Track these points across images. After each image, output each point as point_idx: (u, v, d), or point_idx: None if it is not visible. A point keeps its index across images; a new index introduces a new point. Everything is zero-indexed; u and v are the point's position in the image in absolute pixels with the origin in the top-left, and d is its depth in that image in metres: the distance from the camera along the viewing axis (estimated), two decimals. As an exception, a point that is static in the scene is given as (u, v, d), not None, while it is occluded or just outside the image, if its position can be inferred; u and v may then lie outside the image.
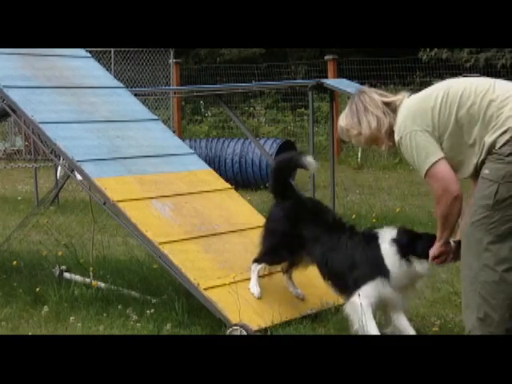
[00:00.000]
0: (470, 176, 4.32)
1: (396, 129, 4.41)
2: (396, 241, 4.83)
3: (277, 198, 5.36)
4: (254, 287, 5.27)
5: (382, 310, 4.99)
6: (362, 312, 4.74)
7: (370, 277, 4.81)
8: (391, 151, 4.85)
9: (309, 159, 5.31)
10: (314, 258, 5.12)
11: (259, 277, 5.31)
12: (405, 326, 4.91)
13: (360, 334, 4.74)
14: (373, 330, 4.76)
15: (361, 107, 4.54)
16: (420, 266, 4.76)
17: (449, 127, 4.25)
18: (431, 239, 4.61)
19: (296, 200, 5.32)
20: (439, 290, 6.07)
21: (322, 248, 5.03)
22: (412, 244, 4.80)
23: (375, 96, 4.56)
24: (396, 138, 4.40)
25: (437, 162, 4.25)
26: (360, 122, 4.53)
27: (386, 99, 4.54)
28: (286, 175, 5.41)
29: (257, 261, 5.30)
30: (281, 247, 5.22)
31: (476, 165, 4.23)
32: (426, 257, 4.65)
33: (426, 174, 4.28)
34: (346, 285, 4.93)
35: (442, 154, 4.26)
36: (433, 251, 4.57)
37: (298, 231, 5.13)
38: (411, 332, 4.88)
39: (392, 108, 4.51)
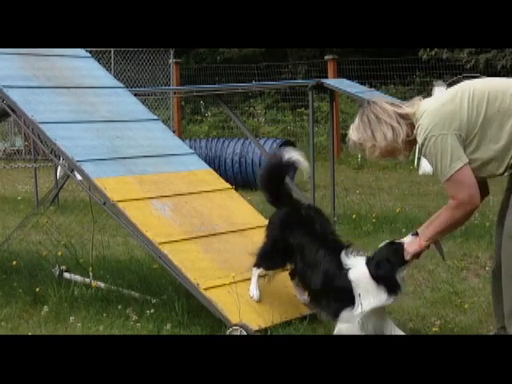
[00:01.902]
0: (500, 174, 4.29)
1: (420, 131, 4.31)
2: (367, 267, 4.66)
3: (273, 205, 5.25)
4: (253, 291, 5.23)
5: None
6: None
7: (346, 304, 4.67)
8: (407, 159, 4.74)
9: (300, 161, 5.13)
10: (295, 269, 5.06)
11: (260, 276, 5.30)
12: (391, 328, 4.78)
13: None
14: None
15: (373, 118, 4.42)
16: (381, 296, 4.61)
17: (476, 127, 4.21)
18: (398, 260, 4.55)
19: (292, 207, 5.19)
20: (439, 290, 6.07)
21: (302, 261, 4.93)
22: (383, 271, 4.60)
23: (387, 106, 4.44)
24: (420, 139, 4.31)
25: (462, 167, 4.21)
26: (374, 133, 4.40)
27: (399, 110, 4.43)
28: (277, 183, 5.21)
29: (256, 264, 5.26)
30: (274, 254, 5.16)
31: (507, 165, 4.22)
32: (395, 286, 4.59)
33: (450, 178, 4.22)
34: (322, 306, 4.83)
35: (467, 160, 4.23)
36: (415, 249, 4.49)
37: (288, 239, 5.05)
38: (399, 332, 4.81)
39: (407, 119, 4.40)
